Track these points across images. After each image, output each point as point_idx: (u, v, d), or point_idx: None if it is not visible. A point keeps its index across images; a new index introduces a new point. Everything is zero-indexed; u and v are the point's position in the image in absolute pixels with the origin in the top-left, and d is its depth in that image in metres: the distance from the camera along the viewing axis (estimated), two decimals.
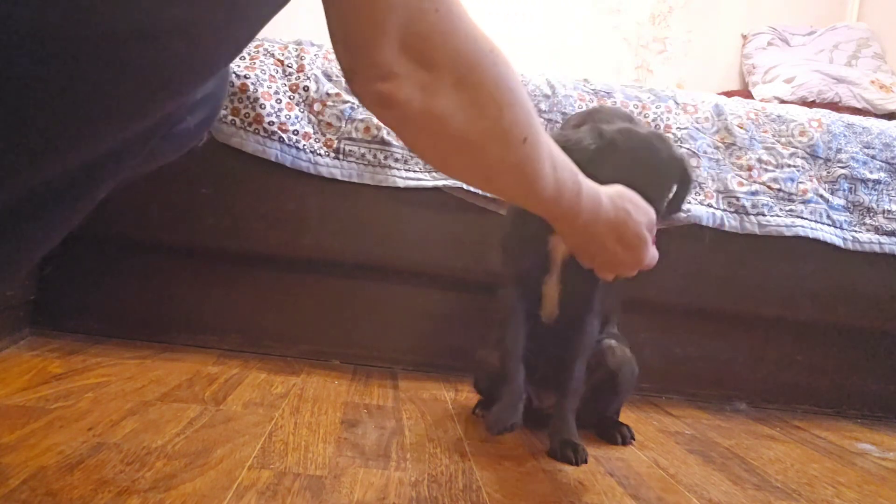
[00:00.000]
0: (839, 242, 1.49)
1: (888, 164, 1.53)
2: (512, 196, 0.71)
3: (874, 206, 1.51)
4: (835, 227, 1.50)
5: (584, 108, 1.43)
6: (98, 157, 0.43)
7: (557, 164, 0.67)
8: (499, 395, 1.02)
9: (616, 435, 1.12)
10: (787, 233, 1.47)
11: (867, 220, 1.51)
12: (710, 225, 1.45)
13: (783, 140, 1.51)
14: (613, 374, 1.13)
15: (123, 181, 0.65)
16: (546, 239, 1.06)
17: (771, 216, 1.47)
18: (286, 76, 1.39)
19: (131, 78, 0.37)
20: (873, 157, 1.52)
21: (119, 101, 0.38)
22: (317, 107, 1.38)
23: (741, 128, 1.50)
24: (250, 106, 1.34)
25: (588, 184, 0.73)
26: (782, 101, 2.13)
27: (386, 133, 1.38)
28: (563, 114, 1.43)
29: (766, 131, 1.51)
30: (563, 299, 1.09)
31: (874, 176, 1.51)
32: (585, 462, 0.99)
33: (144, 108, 0.41)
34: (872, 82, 2.15)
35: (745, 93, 2.35)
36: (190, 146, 0.66)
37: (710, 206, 1.45)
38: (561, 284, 1.08)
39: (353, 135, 1.38)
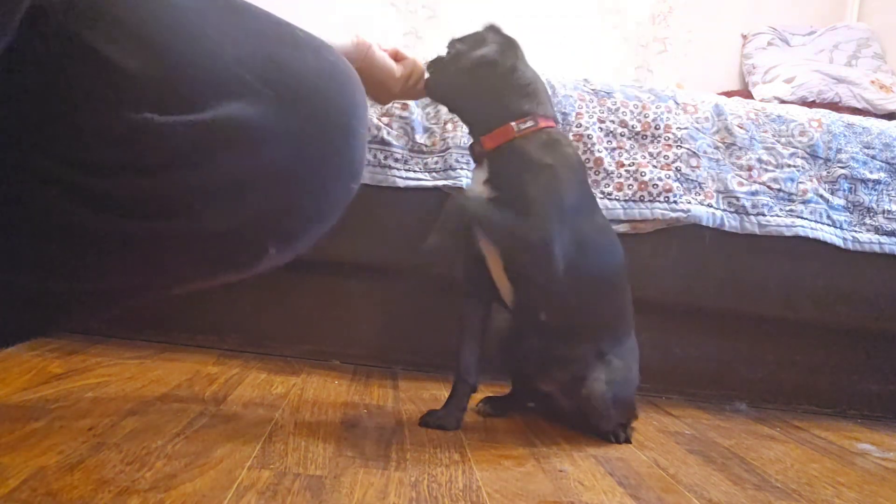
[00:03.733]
0: (839, 242, 1.49)
1: (888, 164, 1.53)
2: None
3: (874, 206, 1.51)
4: (835, 227, 1.50)
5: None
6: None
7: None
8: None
9: (609, 435, 1.12)
10: (787, 233, 1.47)
11: (867, 221, 1.51)
12: (710, 225, 1.45)
13: (783, 140, 1.51)
14: (586, 409, 1.11)
15: (191, 287, 0.58)
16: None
17: (771, 216, 1.47)
18: None
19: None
20: (873, 157, 1.52)
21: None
22: None
23: (741, 128, 1.50)
24: None
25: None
26: (782, 101, 2.13)
27: (386, 133, 1.38)
28: (564, 114, 1.43)
29: (766, 131, 1.51)
30: (507, 263, 1.07)
31: (874, 176, 1.51)
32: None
33: None
34: (872, 82, 2.15)
35: (745, 93, 2.35)
36: (263, 270, 0.55)
37: (710, 206, 1.45)
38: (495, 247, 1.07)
39: None
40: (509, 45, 1.11)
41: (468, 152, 1.18)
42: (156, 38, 0.44)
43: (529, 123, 1.07)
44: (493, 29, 1.13)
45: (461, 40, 1.13)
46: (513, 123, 1.06)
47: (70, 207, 0.44)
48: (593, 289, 1.11)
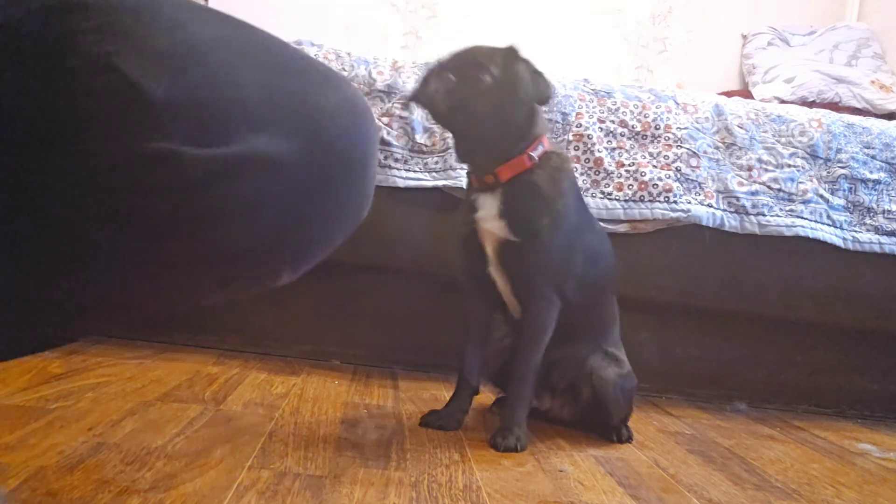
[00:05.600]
0: (839, 242, 1.49)
1: (888, 164, 1.53)
2: None
3: (874, 206, 1.51)
4: (835, 227, 1.50)
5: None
6: None
7: None
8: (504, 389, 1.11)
9: (612, 434, 1.13)
10: (787, 233, 1.47)
11: (867, 220, 1.51)
12: (710, 225, 1.45)
13: (783, 140, 1.51)
14: (598, 397, 1.11)
15: (208, 300, 0.58)
16: (474, 227, 1.07)
17: (771, 216, 1.47)
18: None
19: None
20: (873, 157, 1.52)
21: None
22: None
23: (741, 128, 1.50)
24: None
25: None
26: (782, 101, 2.13)
27: (386, 133, 1.38)
28: (564, 114, 1.43)
29: (766, 131, 1.51)
30: (515, 289, 1.09)
31: (874, 176, 1.51)
32: (517, 449, 1.00)
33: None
34: (872, 82, 2.15)
35: (745, 93, 2.35)
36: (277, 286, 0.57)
37: (710, 206, 1.45)
38: (503, 270, 1.08)
39: None
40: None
41: (470, 176, 1.12)
42: (185, 68, 0.45)
43: (540, 149, 1.06)
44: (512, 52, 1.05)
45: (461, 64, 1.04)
46: (530, 153, 1.05)
47: (83, 224, 0.44)
48: (596, 294, 1.15)
